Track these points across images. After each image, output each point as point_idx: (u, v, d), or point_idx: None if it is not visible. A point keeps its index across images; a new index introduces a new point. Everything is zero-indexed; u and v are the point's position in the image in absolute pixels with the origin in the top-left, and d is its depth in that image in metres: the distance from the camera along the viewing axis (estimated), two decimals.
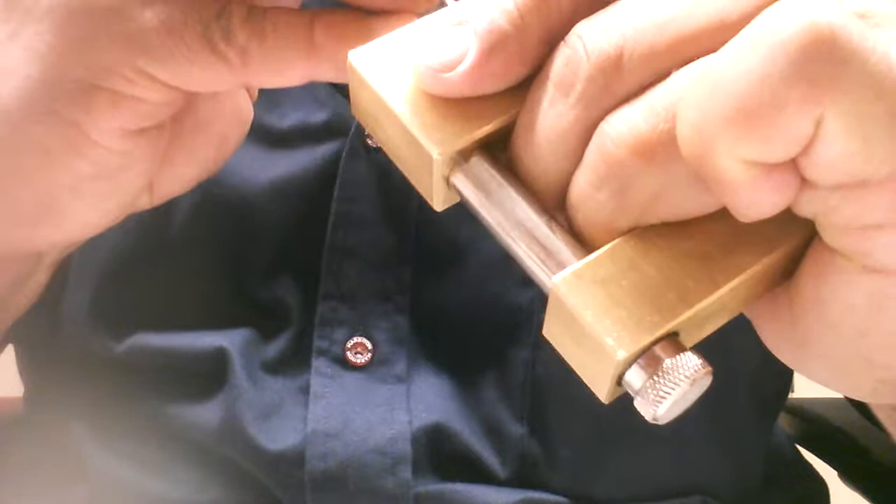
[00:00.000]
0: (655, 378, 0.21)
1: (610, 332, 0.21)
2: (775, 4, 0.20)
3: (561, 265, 0.22)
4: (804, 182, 0.20)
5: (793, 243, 0.23)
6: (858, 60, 0.18)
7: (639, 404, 0.22)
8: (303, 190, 0.44)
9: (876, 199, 0.20)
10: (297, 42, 0.27)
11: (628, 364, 0.21)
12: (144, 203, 0.34)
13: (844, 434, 0.63)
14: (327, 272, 0.44)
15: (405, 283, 0.44)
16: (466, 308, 0.44)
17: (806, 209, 0.21)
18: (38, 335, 0.48)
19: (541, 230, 0.23)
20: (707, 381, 0.22)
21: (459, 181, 0.24)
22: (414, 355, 0.44)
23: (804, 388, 0.66)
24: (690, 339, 0.23)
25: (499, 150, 0.24)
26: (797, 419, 0.66)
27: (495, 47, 0.23)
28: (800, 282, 0.23)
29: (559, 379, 0.43)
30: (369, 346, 0.43)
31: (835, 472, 0.63)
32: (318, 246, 0.44)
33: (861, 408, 0.58)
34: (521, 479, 0.43)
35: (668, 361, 0.21)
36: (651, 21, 0.21)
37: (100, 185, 0.31)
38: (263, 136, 0.45)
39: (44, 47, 0.28)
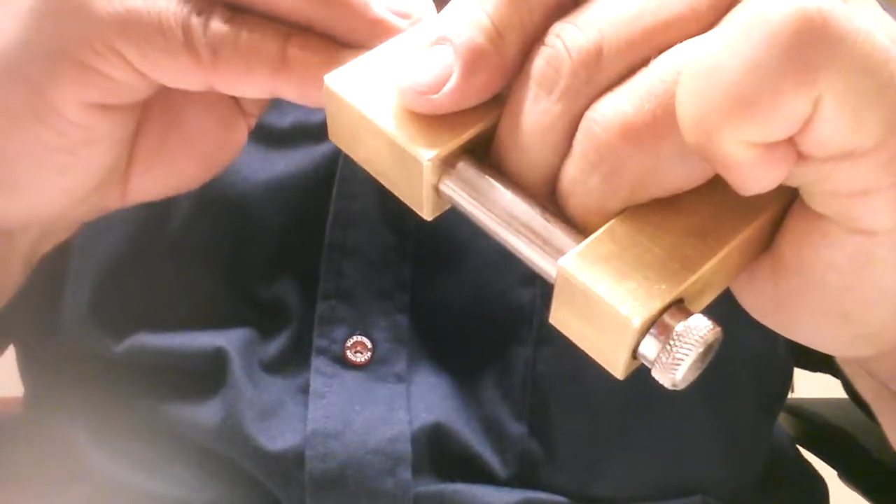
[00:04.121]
0: (670, 345, 0.22)
1: (623, 303, 0.22)
2: None
3: (561, 251, 0.23)
4: (799, 155, 0.21)
5: (774, 209, 0.24)
6: (847, 42, 0.20)
7: (656, 373, 0.22)
8: (302, 189, 0.44)
9: (863, 167, 0.21)
10: (269, 53, 0.28)
11: (642, 333, 0.22)
12: (114, 200, 0.34)
13: (844, 434, 0.63)
14: (327, 271, 0.44)
15: (405, 281, 0.44)
16: (467, 307, 0.44)
17: (795, 180, 0.22)
18: (38, 336, 0.48)
19: (537, 221, 0.24)
20: (718, 342, 0.22)
21: (449, 186, 0.25)
22: (414, 354, 0.44)
23: (804, 388, 0.66)
24: (692, 308, 0.23)
25: (481, 152, 0.25)
26: (797, 419, 0.66)
27: (477, 65, 0.24)
28: (781, 246, 0.25)
29: (560, 378, 0.43)
30: (369, 345, 0.43)
31: (835, 472, 0.63)
32: (318, 245, 0.44)
33: (862, 407, 0.57)
34: (521, 478, 0.43)
35: (679, 326, 0.22)
36: (624, 15, 0.23)
37: (61, 158, 0.31)
38: (263, 135, 0.45)
39: (26, 9, 0.29)
